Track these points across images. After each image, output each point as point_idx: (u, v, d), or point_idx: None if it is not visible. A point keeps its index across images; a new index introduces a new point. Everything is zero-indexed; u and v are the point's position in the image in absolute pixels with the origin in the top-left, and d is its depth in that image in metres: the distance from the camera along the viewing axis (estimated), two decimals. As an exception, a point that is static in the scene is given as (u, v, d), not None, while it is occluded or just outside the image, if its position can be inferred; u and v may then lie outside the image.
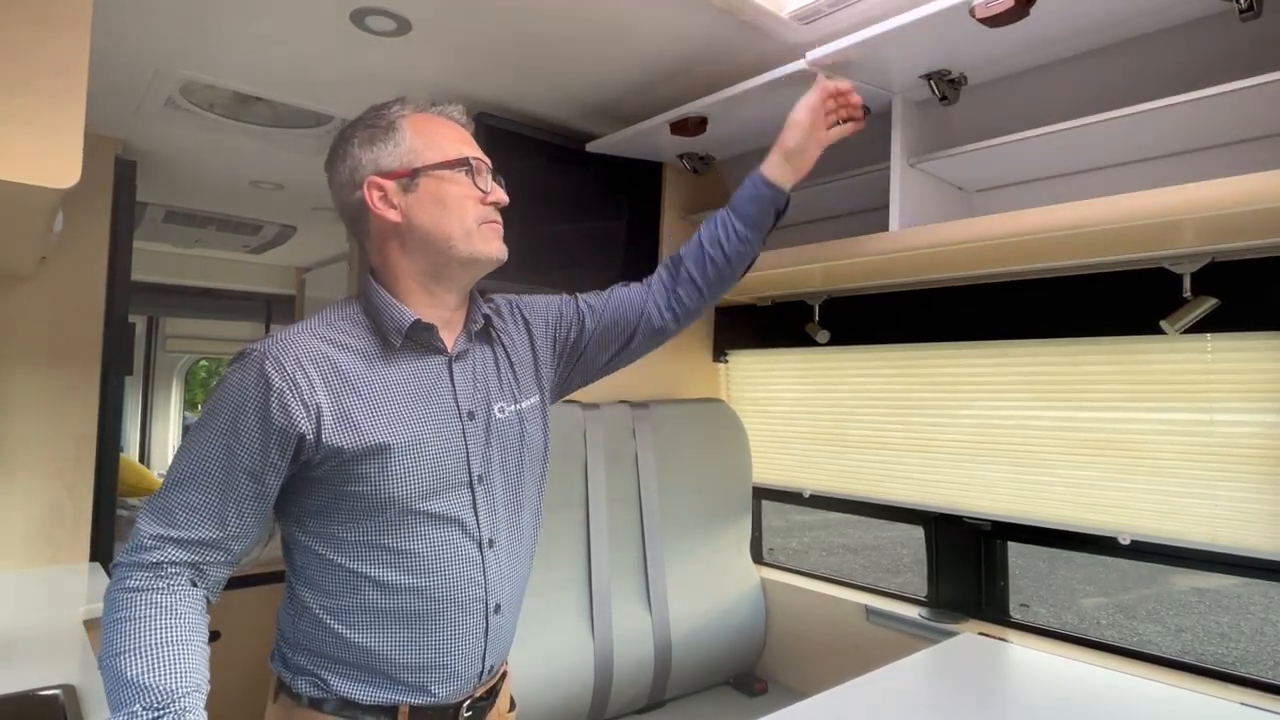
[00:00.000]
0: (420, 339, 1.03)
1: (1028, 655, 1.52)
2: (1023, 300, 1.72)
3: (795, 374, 2.21)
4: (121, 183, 2.12)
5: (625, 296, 1.26)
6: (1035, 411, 1.70)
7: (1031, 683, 1.40)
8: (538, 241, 1.88)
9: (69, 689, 1.20)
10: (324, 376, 0.94)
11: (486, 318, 1.11)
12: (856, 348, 2.02)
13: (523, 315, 1.19)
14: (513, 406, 1.10)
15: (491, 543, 1.03)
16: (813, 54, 1.35)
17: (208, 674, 0.89)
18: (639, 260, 2.04)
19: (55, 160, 1.00)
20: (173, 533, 0.90)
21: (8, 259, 1.64)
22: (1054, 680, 1.38)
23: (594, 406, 1.87)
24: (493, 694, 1.11)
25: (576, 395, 1.97)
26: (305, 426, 0.91)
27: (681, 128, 1.62)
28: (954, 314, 1.82)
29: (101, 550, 2.05)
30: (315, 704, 0.98)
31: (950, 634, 1.74)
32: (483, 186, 1.04)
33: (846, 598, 2.00)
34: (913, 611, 1.87)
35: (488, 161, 1.06)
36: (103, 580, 1.82)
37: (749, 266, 1.30)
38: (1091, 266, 1.59)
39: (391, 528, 0.97)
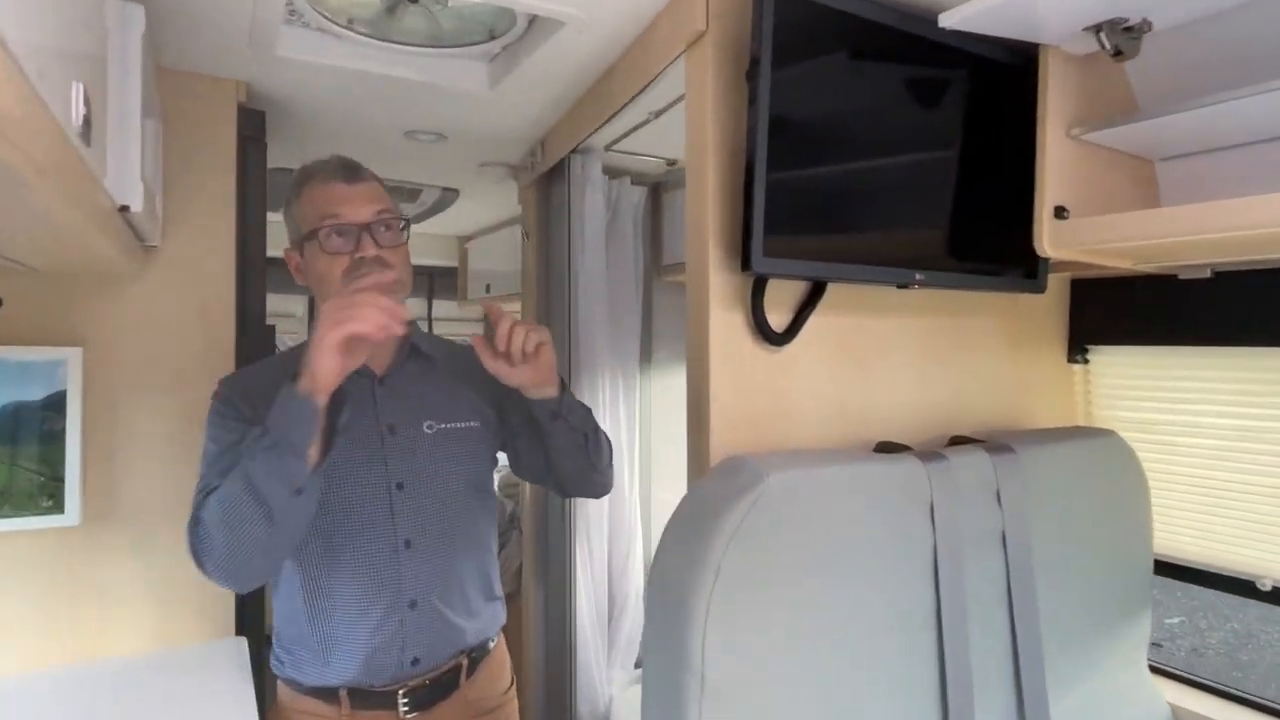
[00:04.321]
0: None
1: None
2: None
3: (1231, 387, 1.37)
4: (248, 140, 1.60)
5: None
6: None
7: None
8: (821, 188, 1.15)
9: None
10: (260, 395, 1.09)
11: (415, 347, 1.25)
12: None
13: (471, 362, 1.18)
14: (443, 425, 1.23)
15: (409, 544, 1.18)
16: None
17: None
18: (994, 209, 1.27)
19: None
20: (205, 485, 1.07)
21: (84, 254, 1.13)
22: None
23: (937, 458, 1.14)
24: (441, 687, 1.21)
25: (909, 439, 1.26)
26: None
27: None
28: None
29: (249, 620, 1.60)
30: (287, 683, 1.22)
31: None
32: (341, 249, 1.13)
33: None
34: None
35: (353, 218, 1.13)
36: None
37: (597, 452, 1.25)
38: None
39: (322, 529, 1.14)
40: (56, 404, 1.39)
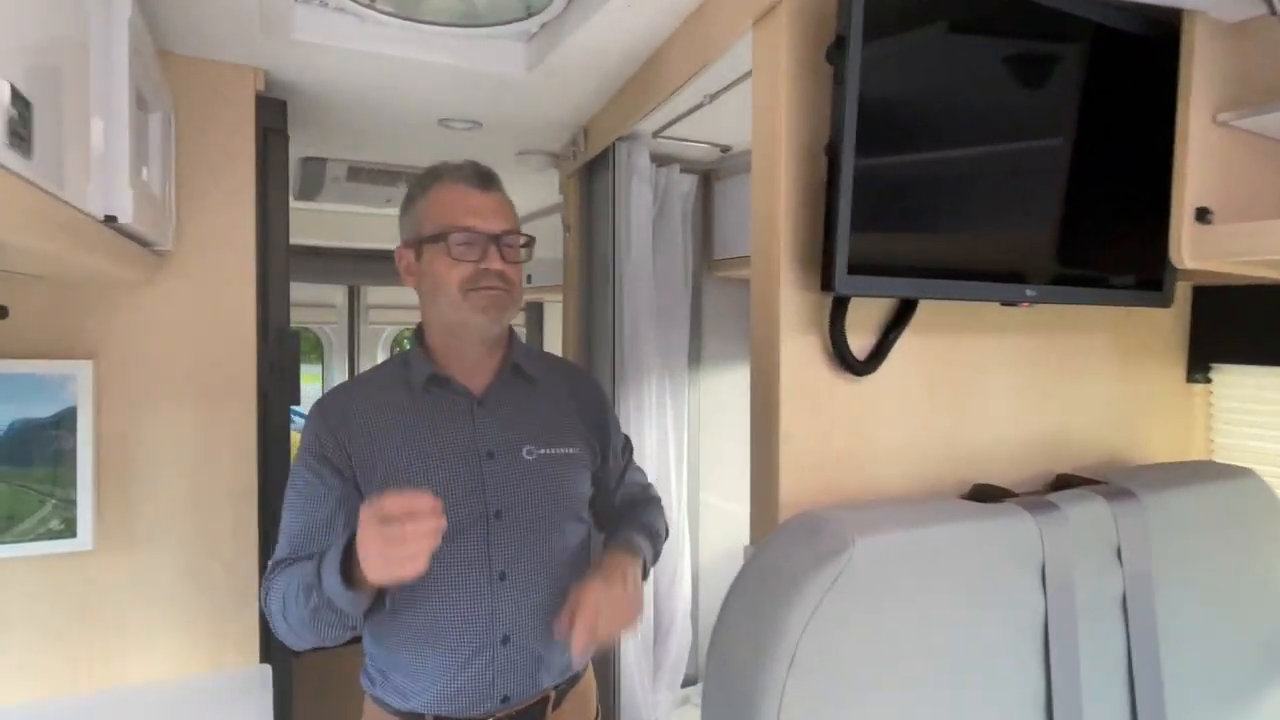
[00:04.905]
0: (444, 386, 1.15)
1: None
2: None
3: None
4: (269, 131, 1.48)
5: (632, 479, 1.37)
6: None
7: None
8: (915, 185, 0.97)
9: None
10: (358, 420, 1.12)
11: (517, 366, 1.19)
12: None
13: (574, 385, 1.27)
14: (542, 450, 1.17)
15: (504, 576, 1.11)
16: None
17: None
18: (1114, 208, 1.08)
19: None
20: (279, 556, 1.10)
21: (76, 268, 1.02)
22: None
23: (1048, 507, 0.96)
24: (528, 718, 1.15)
25: (1008, 479, 1.09)
26: (343, 459, 1.09)
27: None
28: None
29: (275, 646, 1.51)
30: (375, 701, 1.16)
31: None
32: (466, 257, 1.09)
33: None
34: None
35: (484, 228, 1.10)
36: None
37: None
38: None
39: None
40: (67, 421, 1.30)
